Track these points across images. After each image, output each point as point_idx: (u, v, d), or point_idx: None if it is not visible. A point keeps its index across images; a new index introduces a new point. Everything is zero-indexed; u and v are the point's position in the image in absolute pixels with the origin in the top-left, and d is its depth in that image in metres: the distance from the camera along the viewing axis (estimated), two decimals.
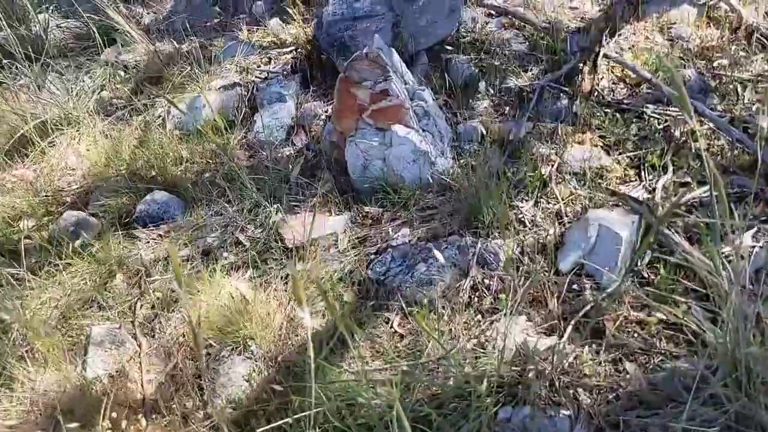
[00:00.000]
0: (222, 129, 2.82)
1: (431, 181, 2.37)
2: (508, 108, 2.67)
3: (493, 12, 3.27)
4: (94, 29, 2.94)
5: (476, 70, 2.82)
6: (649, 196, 2.15)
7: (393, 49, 2.42)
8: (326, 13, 2.84)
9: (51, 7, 3.85)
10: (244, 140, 2.79)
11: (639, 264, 1.94)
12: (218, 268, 2.14)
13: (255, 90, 2.96)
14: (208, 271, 2.13)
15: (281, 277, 2.16)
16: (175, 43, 3.45)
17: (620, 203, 2.08)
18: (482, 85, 2.71)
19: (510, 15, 3.16)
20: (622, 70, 2.76)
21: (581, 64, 2.71)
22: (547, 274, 1.96)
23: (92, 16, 3.40)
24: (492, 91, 2.74)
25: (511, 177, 2.34)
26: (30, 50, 3.26)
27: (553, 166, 2.33)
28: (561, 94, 2.64)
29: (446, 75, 2.83)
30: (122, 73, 3.30)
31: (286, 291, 2.10)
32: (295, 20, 3.26)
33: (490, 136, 2.52)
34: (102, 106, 3.05)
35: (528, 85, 2.69)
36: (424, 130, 2.33)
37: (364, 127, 2.35)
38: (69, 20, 3.64)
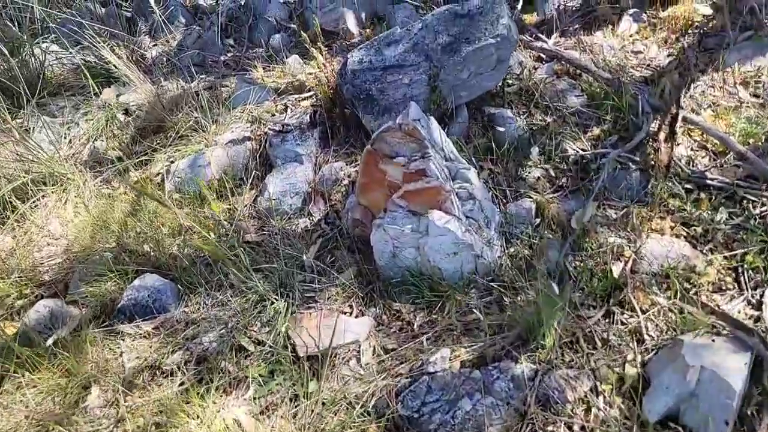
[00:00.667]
0: (228, 192, 2.43)
1: (476, 275, 1.95)
2: (565, 180, 2.23)
3: (542, 55, 2.84)
4: (86, 71, 2.57)
5: (526, 131, 2.39)
6: (756, 313, 1.70)
7: (432, 119, 2.01)
8: (351, 60, 2.44)
9: (51, 37, 3.51)
10: (253, 207, 2.40)
11: (747, 410, 1.50)
12: (213, 387, 1.74)
13: (268, 145, 2.57)
14: (201, 389, 1.74)
15: (290, 398, 1.76)
16: (182, 81, 3.08)
17: (721, 328, 1.63)
18: (534, 150, 2.28)
19: (563, 60, 2.73)
20: (702, 134, 2.30)
21: (655, 129, 2.27)
22: (629, 422, 1.52)
23: (94, 46, 3.05)
24: (546, 158, 2.31)
25: (575, 274, 1.91)
26: (23, 88, 2.92)
27: (627, 263, 1.89)
28: (631, 164, 2.20)
29: (491, 134, 2.41)
30: (121, 118, 2.94)
31: (295, 421, 1.69)
32: (315, 59, 2.86)
33: (547, 218, 2.09)
34: (95, 159, 2.69)
35: (590, 153, 2.25)
36: (467, 217, 1.91)
37: (394, 210, 1.94)
38: (71, 51, 3.29)
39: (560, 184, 2.22)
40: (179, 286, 2.10)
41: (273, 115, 2.75)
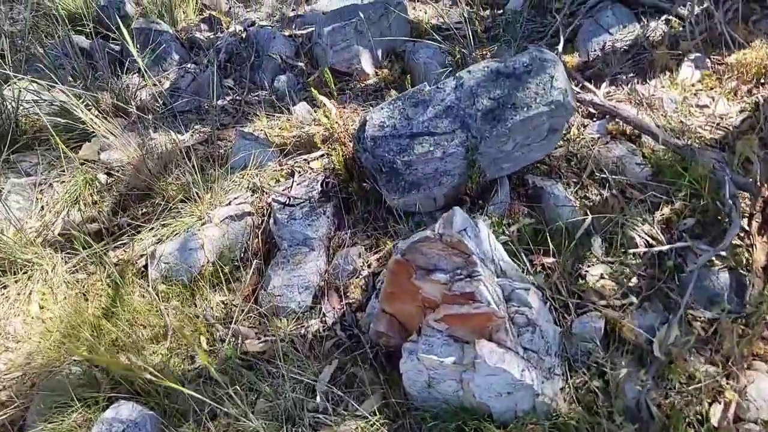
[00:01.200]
0: (224, 281, 2.03)
1: (533, 415, 1.54)
2: (636, 280, 1.83)
3: (592, 110, 2.44)
4: (51, 131, 2.16)
5: (581, 213, 1.98)
6: None
7: (482, 225, 1.60)
8: (371, 123, 2.04)
9: (29, 77, 3.11)
10: (254, 303, 2.00)
11: None
12: None
13: (272, 222, 2.17)
14: None
15: None
16: (173, 134, 2.68)
17: None
18: (596, 242, 1.88)
19: (617, 117, 2.32)
20: None
21: (744, 214, 1.86)
22: None
23: (67, 94, 2.65)
24: (609, 249, 1.90)
25: (660, 417, 1.51)
26: None
27: (728, 408, 1.49)
28: (716, 260, 1.80)
29: (538, 214, 2.01)
30: (103, 179, 2.54)
31: None
32: (325, 108, 2.46)
33: (619, 336, 1.68)
34: (68, 235, 2.29)
35: (666, 248, 1.84)
36: (526, 349, 1.50)
37: (431, 335, 1.54)
38: (44, 98, 2.89)
39: (630, 286, 1.81)
40: (162, 417, 1.70)
41: (278, 181, 2.35)
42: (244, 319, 1.95)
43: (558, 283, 1.78)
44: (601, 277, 1.83)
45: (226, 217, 2.16)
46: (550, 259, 1.87)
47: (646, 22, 2.76)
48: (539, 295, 1.58)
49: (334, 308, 1.95)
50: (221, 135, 2.71)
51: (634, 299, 1.75)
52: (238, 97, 3.02)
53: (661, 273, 1.82)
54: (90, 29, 3.09)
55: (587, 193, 2.11)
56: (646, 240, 1.90)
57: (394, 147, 2.00)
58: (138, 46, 2.95)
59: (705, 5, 2.67)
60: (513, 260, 1.77)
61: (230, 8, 3.78)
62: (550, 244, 1.90)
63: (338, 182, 2.21)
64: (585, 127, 2.38)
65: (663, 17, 2.76)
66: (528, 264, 1.81)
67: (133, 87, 3.05)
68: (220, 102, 2.99)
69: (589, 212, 1.98)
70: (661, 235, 1.91)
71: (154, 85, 3.08)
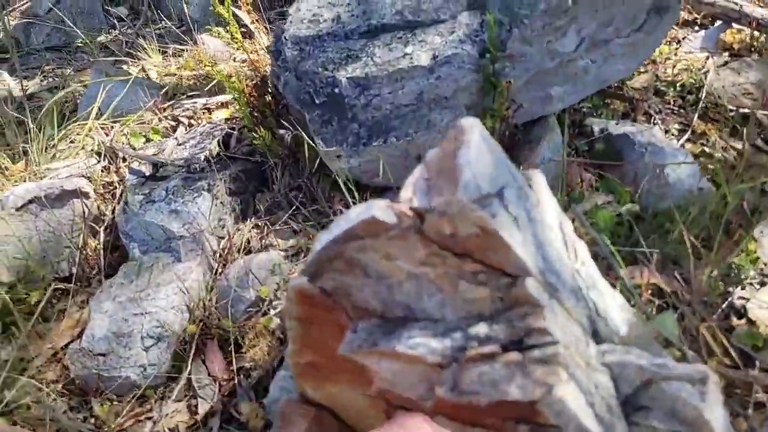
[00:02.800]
0: (21, 322, 1.05)
1: None
2: None
3: (695, 15, 1.44)
4: None
5: (702, 177, 0.99)
6: None
7: (539, 179, 0.58)
8: (296, 16, 1.05)
9: None
10: (64, 368, 1.01)
11: None
12: None
13: (121, 209, 1.18)
14: None
15: None
16: (7, 77, 1.69)
17: None
18: (765, 238, 0.87)
19: (738, 20, 1.33)
20: None
21: None
22: None
23: None
24: None
25: None
26: None
27: None
28: None
29: (622, 187, 1.01)
30: None
31: None
32: (236, 40, 1.45)
33: None
34: None
35: None
36: None
37: None
38: None
39: None
40: None
41: (148, 140, 1.35)
42: (41, 398, 0.96)
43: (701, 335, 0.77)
44: None
45: (30, 201, 1.16)
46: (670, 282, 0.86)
47: None
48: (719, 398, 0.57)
49: (214, 380, 0.95)
50: (82, 78, 1.71)
51: None
52: (130, 29, 2.02)
53: None
54: None
55: (705, 147, 1.12)
56: None
57: (336, 55, 1.01)
58: None
59: None
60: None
61: None
62: (657, 243, 0.90)
63: (250, 139, 1.21)
64: (680, 42, 1.39)
65: None
66: (626, 285, 0.80)
67: None
68: (100, 39, 1.99)
69: (724, 179, 0.97)
70: None
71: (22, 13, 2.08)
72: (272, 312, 1.00)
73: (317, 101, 1.03)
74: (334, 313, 0.56)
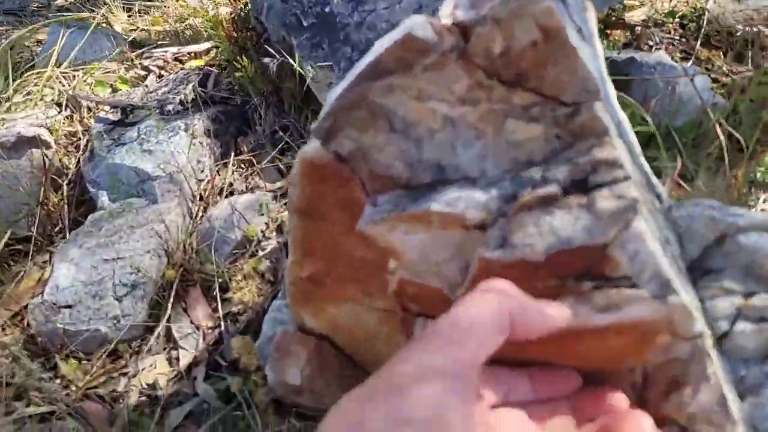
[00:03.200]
0: None
1: None
2: None
3: None
4: None
5: (715, 94, 0.94)
6: None
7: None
8: None
9: None
10: (29, 315, 0.89)
11: None
12: None
13: (87, 157, 1.06)
14: None
15: None
16: None
17: None
18: None
19: None
20: None
21: None
22: None
23: None
24: None
25: None
26: None
27: None
28: None
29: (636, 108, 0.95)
30: None
31: None
32: None
33: None
34: None
35: None
36: None
37: None
38: None
39: None
40: None
41: (114, 90, 1.24)
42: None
43: None
44: None
45: None
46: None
47: None
48: None
49: (197, 328, 0.85)
50: (40, 38, 1.59)
51: None
52: None
53: None
54: None
55: (710, 73, 1.07)
56: None
57: None
58: None
59: None
60: None
61: None
62: (681, 160, 0.84)
63: (231, 78, 1.11)
64: None
65: None
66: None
67: None
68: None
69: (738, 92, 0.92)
70: None
71: None
72: (261, 253, 0.90)
73: (305, 23, 0.94)
74: (348, 188, 0.47)
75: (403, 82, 0.41)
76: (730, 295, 0.43)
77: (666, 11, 1.21)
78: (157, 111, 1.07)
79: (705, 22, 1.14)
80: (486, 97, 0.40)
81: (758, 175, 0.81)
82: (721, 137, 0.72)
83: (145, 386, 0.82)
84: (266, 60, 0.98)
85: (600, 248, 0.37)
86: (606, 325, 0.39)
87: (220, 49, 1.07)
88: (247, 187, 1.00)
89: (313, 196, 0.50)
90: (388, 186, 0.45)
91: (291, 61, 0.95)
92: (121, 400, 0.80)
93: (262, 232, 0.92)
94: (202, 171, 1.02)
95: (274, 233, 0.92)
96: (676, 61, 1.11)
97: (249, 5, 1.13)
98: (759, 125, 0.85)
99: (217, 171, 1.03)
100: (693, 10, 1.18)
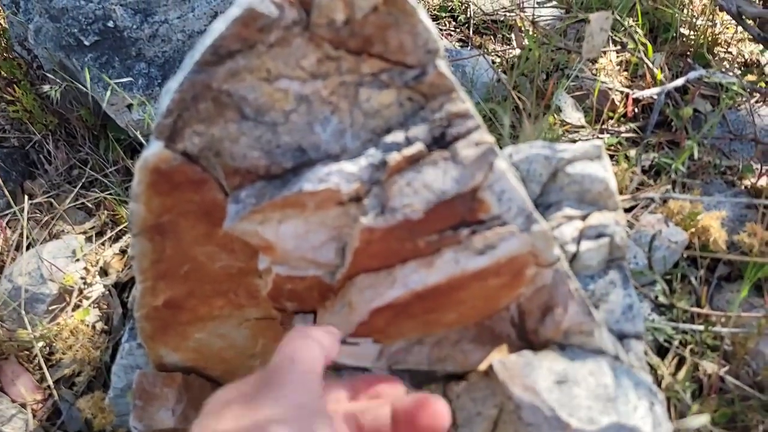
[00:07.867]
0: None
1: None
2: None
3: None
4: None
5: (495, 72, 1.07)
6: None
7: None
8: None
9: None
10: None
11: None
12: None
13: None
14: None
15: None
16: None
17: None
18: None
19: None
20: None
21: None
22: None
23: None
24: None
25: None
26: None
27: None
28: None
29: None
30: None
31: None
32: None
33: None
34: None
35: None
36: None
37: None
38: None
39: None
40: None
41: None
42: None
43: None
44: None
45: None
46: None
47: None
48: None
49: (23, 406, 0.71)
50: None
51: None
52: None
53: None
54: None
55: (484, 55, 1.21)
56: None
57: None
58: None
59: None
60: None
61: None
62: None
63: (4, 117, 0.94)
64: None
65: None
66: None
67: None
68: None
69: (518, 65, 1.06)
70: None
71: None
72: (86, 302, 0.78)
73: (87, 42, 0.84)
74: (204, 192, 0.44)
75: (248, 63, 0.39)
76: (572, 220, 0.49)
77: (438, 6, 1.35)
78: None
79: (471, 14, 1.29)
80: (336, 69, 0.40)
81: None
82: (517, 101, 0.82)
83: None
84: (46, 88, 0.86)
85: (471, 192, 0.40)
86: (486, 266, 0.42)
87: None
88: (50, 234, 0.86)
89: (163, 209, 0.45)
90: (249, 179, 0.43)
91: (80, 85, 0.85)
92: None
93: (82, 278, 0.80)
94: None
95: (98, 276, 0.81)
96: (456, 49, 1.24)
97: (5, 33, 0.98)
98: (534, 89, 0.99)
99: (7, 224, 0.87)
100: (461, 4, 1.32)
